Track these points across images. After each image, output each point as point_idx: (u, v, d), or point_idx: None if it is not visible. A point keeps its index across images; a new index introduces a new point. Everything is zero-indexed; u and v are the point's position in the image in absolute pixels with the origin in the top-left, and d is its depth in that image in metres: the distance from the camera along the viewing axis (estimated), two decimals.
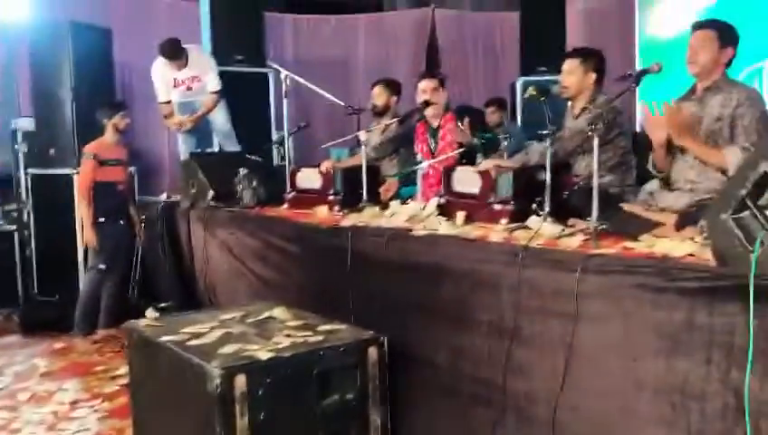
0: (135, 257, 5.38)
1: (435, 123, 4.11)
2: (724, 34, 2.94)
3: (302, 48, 8.50)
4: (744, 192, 1.93)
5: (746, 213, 1.93)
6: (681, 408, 1.97)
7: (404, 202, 3.96)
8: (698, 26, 3.00)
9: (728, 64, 2.98)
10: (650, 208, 2.91)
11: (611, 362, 2.17)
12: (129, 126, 5.19)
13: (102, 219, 5.03)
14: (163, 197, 5.77)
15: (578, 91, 3.52)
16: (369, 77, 8.63)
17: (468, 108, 4.21)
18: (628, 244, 2.58)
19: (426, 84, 4.08)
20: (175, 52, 5.47)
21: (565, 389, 2.30)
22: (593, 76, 3.48)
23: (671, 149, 2.97)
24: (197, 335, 2.91)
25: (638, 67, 7.72)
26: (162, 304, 5.24)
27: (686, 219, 2.60)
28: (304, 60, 8.38)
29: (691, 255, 2.27)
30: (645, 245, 2.52)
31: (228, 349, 2.68)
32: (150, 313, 5.16)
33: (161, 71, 5.64)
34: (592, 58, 3.50)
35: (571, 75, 3.50)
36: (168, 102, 5.74)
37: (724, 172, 2.78)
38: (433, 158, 4.10)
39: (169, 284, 5.22)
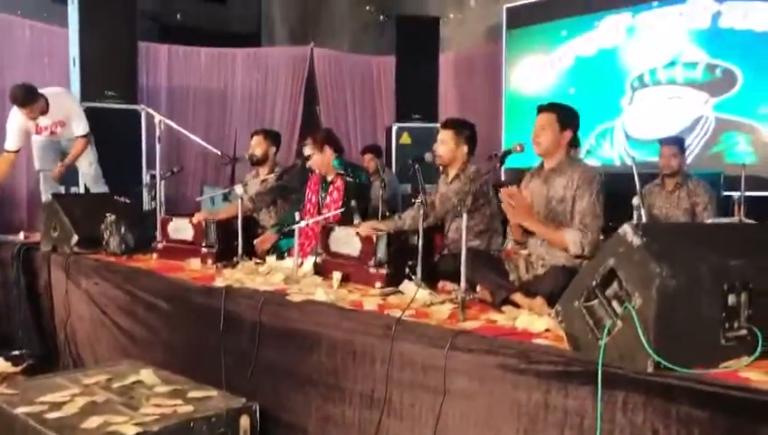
0: None
1: (328, 177, 4.17)
2: (564, 117, 3.14)
3: (178, 77, 8.34)
4: (593, 283, 2.12)
5: (596, 302, 2.12)
6: None
7: (281, 256, 3.98)
8: (540, 109, 3.21)
9: (572, 144, 3.20)
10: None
11: None
12: None
13: None
14: (20, 236, 5.42)
15: (450, 160, 3.69)
16: (247, 109, 8.66)
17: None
18: (493, 316, 2.75)
19: (304, 150, 4.15)
20: (26, 98, 5.07)
21: None
22: (465, 148, 3.67)
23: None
24: (57, 405, 2.76)
25: (504, 115, 8.23)
26: (15, 353, 4.93)
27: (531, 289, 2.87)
28: (180, 88, 8.23)
29: (548, 330, 2.46)
30: (507, 317, 2.70)
31: (92, 423, 2.57)
32: (1, 362, 4.83)
33: (19, 118, 5.23)
34: (465, 130, 3.69)
35: (444, 145, 3.67)
36: (15, 153, 5.36)
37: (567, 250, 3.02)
38: (319, 210, 4.14)
39: (25, 331, 4.90)
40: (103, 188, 5.55)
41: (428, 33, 8.12)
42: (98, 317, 4.14)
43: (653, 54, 7.06)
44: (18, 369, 4.63)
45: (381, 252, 3.31)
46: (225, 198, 5.91)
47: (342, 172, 4.04)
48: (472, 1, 8.81)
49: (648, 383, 1.90)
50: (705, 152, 6.64)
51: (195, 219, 4.14)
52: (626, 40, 7.29)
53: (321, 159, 4.14)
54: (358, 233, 3.43)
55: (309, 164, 4.15)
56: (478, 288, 2.99)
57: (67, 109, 5.36)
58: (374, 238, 3.32)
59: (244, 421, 2.78)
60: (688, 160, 5.53)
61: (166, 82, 8.22)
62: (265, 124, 7.60)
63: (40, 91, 5.18)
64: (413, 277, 3.16)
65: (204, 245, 4.04)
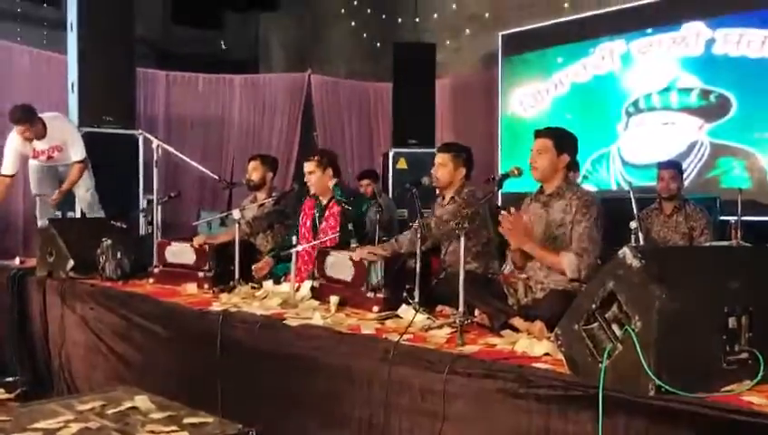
0: None
1: (323, 201, 4.16)
2: (561, 142, 3.15)
3: (175, 103, 8.38)
4: (593, 306, 2.11)
5: (595, 325, 2.11)
6: None
7: (277, 281, 3.96)
8: (537, 134, 3.21)
9: (570, 168, 3.21)
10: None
11: None
12: None
13: None
14: (16, 262, 5.39)
15: (448, 183, 3.70)
16: (245, 135, 8.69)
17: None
18: (492, 340, 2.73)
19: (306, 166, 4.14)
20: (23, 115, 5.10)
21: None
22: (463, 171, 3.68)
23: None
24: (51, 432, 2.71)
25: (500, 141, 8.26)
26: (9, 379, 4.88)
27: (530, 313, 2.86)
28: (177, 114, 8.26)
29: (547, 354, 2.44)
30: (506, 341, 2.68)
31: None
32: None
33: (16, 142, 5.27)
34: (462, 153, 3.71)
35: (443, 168, 3.68)
36: (10, 177, 5.38)
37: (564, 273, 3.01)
38: (314, 234, 4.13)
39: (19, 357, 4.85)
40: (100, 214, 5.54)
41: (425, 59, 8.17)
42: (93, 343, 4.10)
43: (648, 80, 7.11)
44: (12, 395, 4.58)
45: (377, 276, 3.29)
46: (222, 222, 5.90)
47: (342, 200, 4.02)
48: (467, 29, 8.90)
49: (650, 407, 1.88)
50: (701, 177, 6.66)
51: (196, 243, 4.12)
52: (621, 66, 7.34)
53: (320, 179, 4.12)
54: (351, 258, 3.41)
55: (306, 180, 4.14)
56: (477, 312, 2.97)
57: (64, 134, 5.38)
58: (366, 263, 3.31)
59: None
60: (684, 185, 5.55)
61: (163, 107, 8.26)
62: (262, 150, 7.61)
63: (38, 115, 5.20)
64: (411, 301, 3.15)
65: (201, 269, 4.02)
